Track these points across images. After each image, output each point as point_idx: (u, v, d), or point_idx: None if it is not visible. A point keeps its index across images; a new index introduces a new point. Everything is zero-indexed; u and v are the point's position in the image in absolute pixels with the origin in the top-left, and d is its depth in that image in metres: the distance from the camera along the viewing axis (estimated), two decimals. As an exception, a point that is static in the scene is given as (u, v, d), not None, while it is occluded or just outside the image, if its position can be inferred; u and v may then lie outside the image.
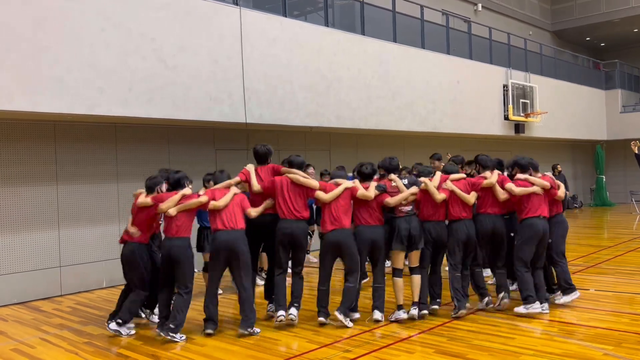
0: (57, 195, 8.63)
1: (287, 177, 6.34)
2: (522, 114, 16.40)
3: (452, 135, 14.85)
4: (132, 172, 9.27)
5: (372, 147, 13.54)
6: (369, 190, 6.27)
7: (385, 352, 5.37)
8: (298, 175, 6.35)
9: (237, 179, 6.44)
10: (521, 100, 16.48)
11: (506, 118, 16.00)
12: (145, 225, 6.20)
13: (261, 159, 6.65)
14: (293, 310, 6.26)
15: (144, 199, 6.17)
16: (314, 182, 6.40)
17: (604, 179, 21.73)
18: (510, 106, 15.93)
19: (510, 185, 6.58)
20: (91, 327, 6.65)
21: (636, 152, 10.36)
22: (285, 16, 10.46)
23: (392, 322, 6.27)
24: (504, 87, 16.03)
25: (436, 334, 5.91)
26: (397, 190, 6.36)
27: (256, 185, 6.39)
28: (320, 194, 6.28)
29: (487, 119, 15.47)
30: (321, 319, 6.25)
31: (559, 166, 14.52)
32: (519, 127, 16.56)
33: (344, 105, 11.30)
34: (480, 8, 19.70)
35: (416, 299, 6.36)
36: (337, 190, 6.27)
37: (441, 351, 5.35)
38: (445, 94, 13.89)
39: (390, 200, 6.29)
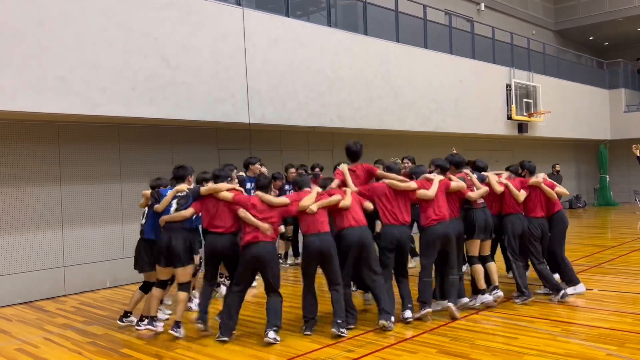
0: (60, 195, 8.64)
1: (385, 182, 6.39)
2: (525, 114, 16.36)
3: (454, 134, 14.81)
4: (135, 172, 9.30)
5: (375, 147, 13.46)
6: (458, 182, 6.62)
7: (388, 352, 5.37)
8: (395, 181, 6.39)
9: (337, 181, 6.43)
10: (524, 100, 16.44)
11: (509, 118, 15.97)
12: (276, 224, 6.03)
13: (355, 156, 6.68)
14: (408, 313, 6.27)
15: (278, 198, 6.15)
16: (412, 184, 6.43)
17: (608, 179, 21.67)
18: (513, 106, 15.90)
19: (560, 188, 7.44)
20: (95, 327, 6.67)
21: (638, 155, 10.33)
22: (288, 16, 10.46)
23: (476, 307, 6.67)
24: (507, 86, 16.00)
25: (439, 334, 5.90)
26: (472, 183, 6.83)
27: (353, 186, 6.41)
28: (423, 192, 6.38)
29: (490, 118, 15.44)
30: (427, 309, 6.27)
31: (557, 166, 14.30)
32: (522, 127, 16.52)
33: (346, 105, 11.30)
34: (483, 7, 19.66)
35: (496, 284, 6.85)
36: (436, 184, 6.43)
37: (444, 351, 5.35)
38: (448, 93, 13.87)
39: (473, 195, 6.72)
